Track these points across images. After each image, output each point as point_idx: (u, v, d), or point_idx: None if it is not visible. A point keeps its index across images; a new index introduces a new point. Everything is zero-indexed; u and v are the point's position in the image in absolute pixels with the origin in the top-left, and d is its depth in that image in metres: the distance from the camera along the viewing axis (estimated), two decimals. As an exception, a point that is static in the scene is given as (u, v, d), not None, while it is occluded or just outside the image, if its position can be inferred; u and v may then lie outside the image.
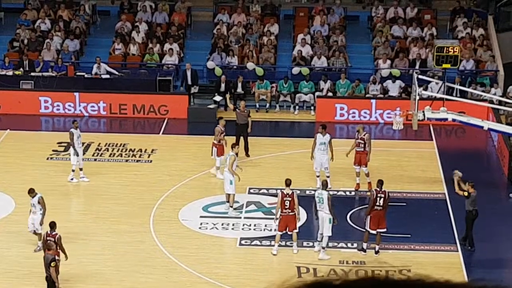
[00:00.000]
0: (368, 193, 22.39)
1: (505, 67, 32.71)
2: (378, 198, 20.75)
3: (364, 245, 21.13)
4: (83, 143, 27.32)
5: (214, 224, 22.57)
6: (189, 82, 31.62)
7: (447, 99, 25.36)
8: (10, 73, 32.03)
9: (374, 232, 20.93)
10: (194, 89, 31.53)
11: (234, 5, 36.33)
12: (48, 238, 19.32)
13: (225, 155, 23.34)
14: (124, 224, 22.43)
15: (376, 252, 21.09)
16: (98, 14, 36.78)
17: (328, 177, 24.38)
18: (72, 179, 25.02)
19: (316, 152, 24.24)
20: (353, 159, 24.51)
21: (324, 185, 21.01)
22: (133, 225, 22.41)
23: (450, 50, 24.83)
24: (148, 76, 32.32)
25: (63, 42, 33.95)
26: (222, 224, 22.57)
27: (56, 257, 18.71)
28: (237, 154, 23.43)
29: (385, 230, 20.98)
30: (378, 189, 20.90)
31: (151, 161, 26.91)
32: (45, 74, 32.04)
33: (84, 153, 27.00)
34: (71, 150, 24.96)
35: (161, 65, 33.08)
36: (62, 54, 33.29)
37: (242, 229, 22.40)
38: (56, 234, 19.31)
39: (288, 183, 21.06)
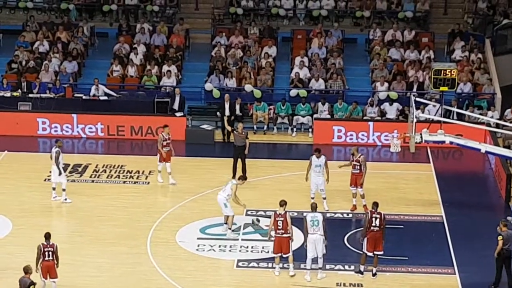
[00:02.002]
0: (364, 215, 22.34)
1: (502, 90, 32.87)
2: (373, 219, 20.80)
3: (361, 268, 21.16)
4: (80, 165, 27.47)
5: (212, 246, 22.58)
6: (176, 107, 31.65)
7: (444, 122, 25.45)
8: (8, 94, 32.14)
9: (371, 254, 20.95)
10: (180, 114, 31.50)
11: (232, 28, 36.50)
12: (45, 249, 19.51)
13: (228, 183, 23.35)
14: (121, 246, 22.44)
15: (374, 275, 21.10)
16: (96, 36, 36.89)
17: (324, 198, 24.49)
18: (66, 199, 25.14)
19: (312, 174, 24.37)
20: (349, 180, 24.59)
21: (314, 208, 21.01)
22: (130, 247, 22.41)
23: (447, 73, 24.92)
24: (146, 98, 32.41)
25: (61, 64, 34.07)
26: (220, 246, 22.57)
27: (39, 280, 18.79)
28: (244, 178, 23.51)
29: (382, 252, 21.00)
30: (373, 210, 20.96)
31: (148, 183, 26.97)
32: (43, 95, 32.14)
33: (81, 175, 27.15)
34: (55, 169, 24.83)
35: (159, 87, 33.18)
36: (60, 75, 33.40)
37: (240, 251, 22.40)
38: (53, 244, 19.61)
39: (282, 203, 21.09)
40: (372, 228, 20.82)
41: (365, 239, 20.93)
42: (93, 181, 26.95)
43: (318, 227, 20.68)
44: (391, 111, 31.92)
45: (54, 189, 25.21)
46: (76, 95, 32.62)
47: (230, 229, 23.15)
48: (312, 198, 24.29)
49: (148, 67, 33.74)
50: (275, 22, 37.56)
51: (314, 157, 24.41)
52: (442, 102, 25.79)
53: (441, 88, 24.94)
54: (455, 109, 29.40)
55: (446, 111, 28.64)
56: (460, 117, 30.50)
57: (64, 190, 25.12)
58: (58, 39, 35.51)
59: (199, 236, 23.17)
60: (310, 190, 24.53)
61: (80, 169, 27.67)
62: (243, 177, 24.26)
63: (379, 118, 31.67)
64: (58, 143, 25.22)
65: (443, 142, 24.94)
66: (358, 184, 24.47)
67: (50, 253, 19.51)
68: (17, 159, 28.73)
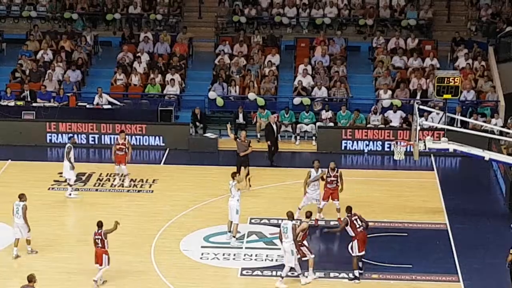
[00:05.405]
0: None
1: (506, 97, 32.88)
2: (355, 221, 21.04)
3: (356, 273, 21.16)
4: (84, 173, 27.53)
5: (216, 255, 22.65)
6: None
7: (448, 130, 25.49)
8: (12, 103, 32.22)
9: (363, 253, 21.06)
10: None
11: (235, 36, 36.56)
12: (95, 237, 20.85)
13: (231, 187, 23.39)
14: (126, 255, 22.49)
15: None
16: (100, 44, 36.98)
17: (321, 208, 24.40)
18: (70, 194, 25.97)
19: (310, 188, 24.28)
20: (323, 194, 24.48)
21: (290, 216, 21.07)
22: (134, 256, 22.48)
23: (451, 80, 24.97)
24: (150, 107, 32.44)
25: (65, 73, 34.17)
26: (223, 255, 22.63)
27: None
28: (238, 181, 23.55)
29: (363, 253, 21.12)
30: (350, 215, 21.13)
31: (152, 191, 27.05)
32: (47, 104, 32.23)
33: (85, 184, 27.26)
34: (68, 164, 25.84)
35: (163, 95, 33.24)
36: (64, 84, 33.50)
37: (244, 259, 22.45)
38: (101, 232, 20.85)
39: (308, 215, 21.32)
40: (358, 229, 20.96)
41: (355, 241, 21.03)
42: (97, 190, 27.02)
43: (287, 234, 20.74)
44: (395, 118, 31.92)
45: (70, 185, 26.16)
46: (80, 104, 32.65)
47: (234, 237, 23.17)
48: (299, 209, 24.14)
49: (152, 75, 33.83)
50: (278, 30, 37.61)
51: (313, 171, 24.35)
52: (445, 110, 25.86)
53: (445, 96, 25.02)
54: (458, 117, 29.37)
55: (451, 119, 28.65)
56: (464, 124, 30.52)
57: (70, 185, 26.04)
58: (61, 48, 35.61)
59: (203, 244, 23.22)
60: (303, 203, 24.38)
61: (84, 178, 27.75)
62: (235, 173, 24.07)
63: (382, 125, 31.68)
64: (71, 139, 26.63)
65: (447, 149, 24.98)
66: (333, 198, 24.34)
67: (99, 240, 20.64)
68: (21, 168, 28.79)
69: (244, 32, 36.70)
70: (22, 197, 22.37)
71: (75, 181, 26.62)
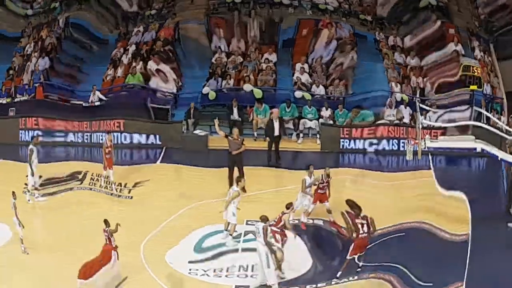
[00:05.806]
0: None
1: (507, 95, 32.57)
2: (360, 226, 21.19)
3: (338, 274, 21.46)
4: (79, 172, 27.94)
5: (205, 271, 22.16)
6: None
7: (475, 126, 24.99)
8: (4, 101, 32.77)
9: (352, 257, 21.28)
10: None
11: (228, 17, 35.97)
12: (104, 233, 21.02)
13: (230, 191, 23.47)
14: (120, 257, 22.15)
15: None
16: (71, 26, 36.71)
17: (309, 212, 24.65)
18: (29, 200, 25.92)
19: (300, 194, 24.37)
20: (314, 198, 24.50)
21: (264, 220, 21.30)
22: (127, 258, 22.10)
23: (475, 70, 24.46)
24: (129, 99, 32.08)
25: (36, 62, 33.80)
26: (214, 271, 22.19)
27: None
28: (243, 189, 23.77)
29: (355, 257, 21.31)
30: (352, 213, 21.27)
31: (131, 197, 26.52)
32: (22, 99, 32.41)
33: (77, 182, 27.17)
34: (28, 169, 25.89)
35: (151, 89, 32.81)
36: (34, 74, 33.21)
37: (238, 276, 22.03)
38: (108, 229, 21.00)
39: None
40: (360, 235, 21.19)
41: (352, 244, 21.40)
42: (91, 189, 27.08)
43: (259, 234, 21.03)
44: (406, 114, 31.44)
45: (36, 189, 26.19)
46: (48, 96, 32.69)
47: (231, 235, 23.37)
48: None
49: (134, 64, 33.59)
50: (278, 10, 36.87)
51: (307, 177, 24.52)
52: (473, 103, 25.20)
53: (471, 87, 24.61)
54: (485, 112, 28.74)
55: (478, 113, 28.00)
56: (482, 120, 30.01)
57: (28, 190, 25.96)
58: (40, 37, 35.57)
59: (191, 258, 22.62)
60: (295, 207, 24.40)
61: (80, 177, 27.77)
62: (241, 177, 24.30)
63: (398, 121, 31.08)
64: (34, 140, 26.71)
65: (475, 149, 24.38)
66: (322, 201, 24.35)
67: (106, 238, 21.08)
68: (14, 167, 28.46)
69: (239, 12, 35.97)
70: (13, 194, 23.19)
71: (41, 186, 26.44)
